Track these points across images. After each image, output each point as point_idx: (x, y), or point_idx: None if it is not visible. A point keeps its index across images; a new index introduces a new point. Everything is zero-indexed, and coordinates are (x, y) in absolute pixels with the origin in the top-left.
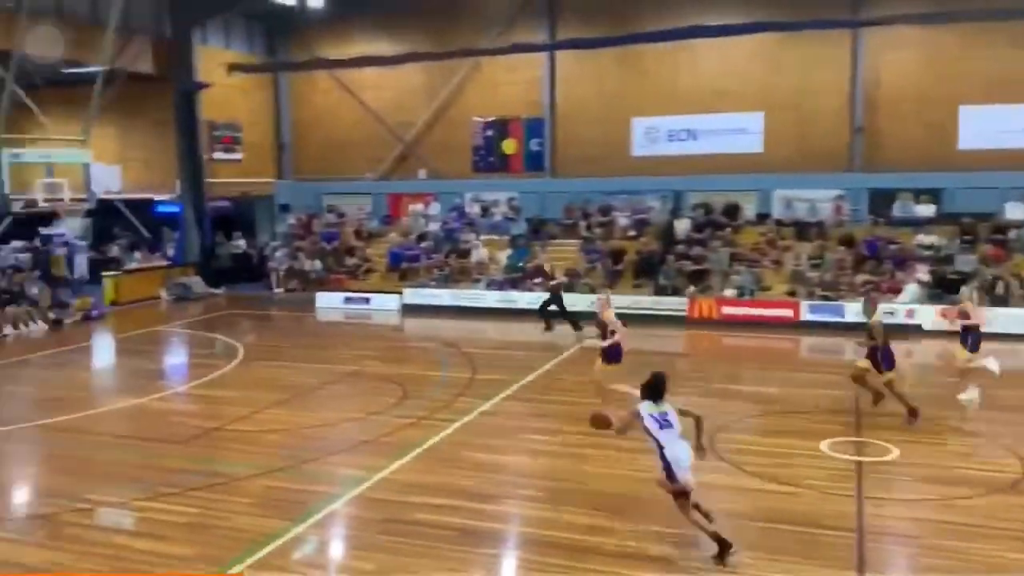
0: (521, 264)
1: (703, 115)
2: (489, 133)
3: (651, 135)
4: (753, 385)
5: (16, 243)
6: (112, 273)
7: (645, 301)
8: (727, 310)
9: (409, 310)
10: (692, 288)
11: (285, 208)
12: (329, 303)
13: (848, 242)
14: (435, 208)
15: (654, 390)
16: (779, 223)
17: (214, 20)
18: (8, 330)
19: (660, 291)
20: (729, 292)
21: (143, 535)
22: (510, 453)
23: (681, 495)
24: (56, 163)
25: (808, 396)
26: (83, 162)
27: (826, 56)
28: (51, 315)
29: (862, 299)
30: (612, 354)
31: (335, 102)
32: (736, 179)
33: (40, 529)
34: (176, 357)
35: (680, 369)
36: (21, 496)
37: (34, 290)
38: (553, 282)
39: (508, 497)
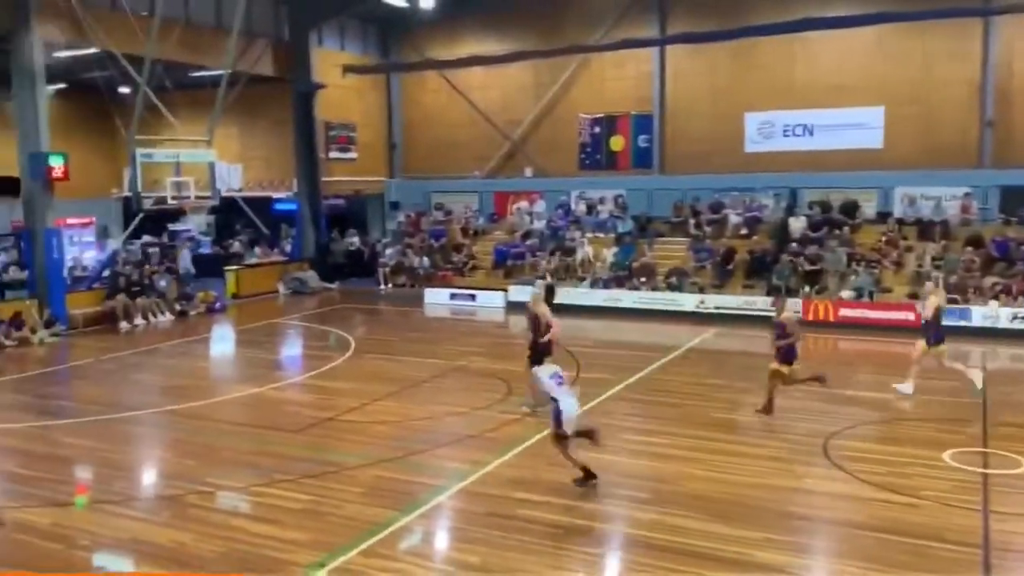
0: (627, 263)
1: (820, 110)
2: (596, 130)
3: (765, 130)
4: (871, 391)
5: (146, 238)
6: (233, 268)
7: (757, 302)
8: (844, 312)
9: (514, 307)
10: (807, 289)
11: (395, 206)
12: (436, 299)
13: (976, 243)
14: (541, 206)
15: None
16: (900, 222)
17: (330, 23)
18: (139, 320)
19: (773, 292)
20: (846, 294)
21: (260, 519)
22: (614, 453)
23: (564, 439)
24: (183, 162)
25: (930, 404)
26: (208, 161)
27: (953, 46)
28: (177, 307)
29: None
30: (544, 349)
31: (444, 101)
32: (855, 176)
33: (166, 510)
34: (292, 349)
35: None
36: (150, 478)
37: (162, 283)
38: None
39: (611, 497)
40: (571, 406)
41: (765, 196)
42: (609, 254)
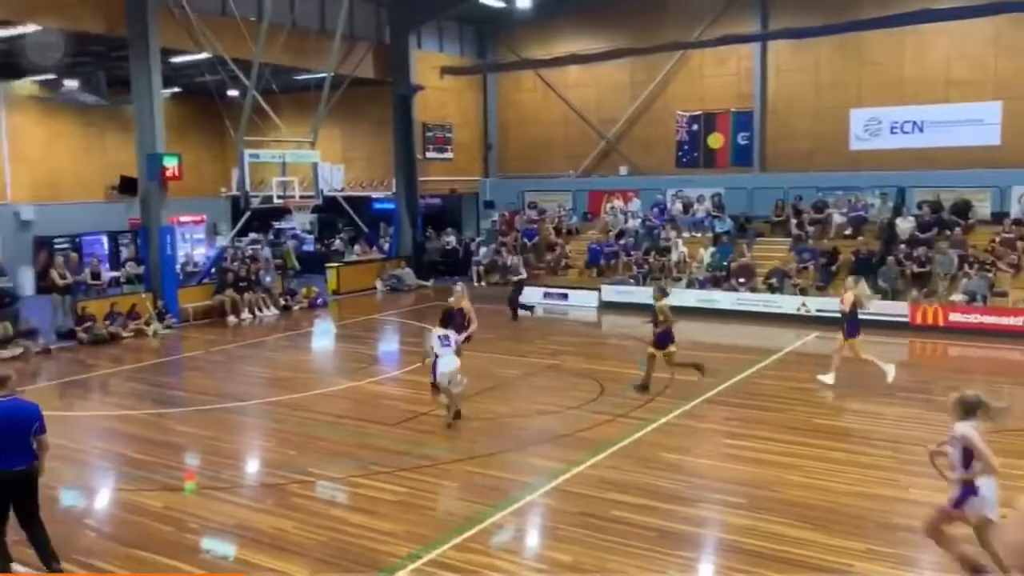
0: (725, 263)
1: (931, 105)
2: (694, 127)
3: (871, 127)
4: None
5: (252, 235)
6: (334, 264)
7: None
8: (955, 317)
9: (606, 307)
10: (915, 292)
11: (490, 205)
12: (528, 298)
13: None
14: (635, 205)
15: (444, 321)
16: (1018, 223)
17: (428, 24)
18: (245, 314)
19: (878, 294)
20: (958, 297)
21: (357, 509)
22: (709, 457)
23: (434, 388)
24: (288, 162)
25: None
26: (312, 162)
27: None
28: (282, 301)
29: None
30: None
31: (539, 101)
32: (968, 175)
33: (269, 497)
34: (389, 344)
35: (900, 379)
36: (254, 466)
37: (268, 279)
38: (516, 277)
39: (706, 501)
40: (447, 364)
41: (871, 195)
42: (706, 254)
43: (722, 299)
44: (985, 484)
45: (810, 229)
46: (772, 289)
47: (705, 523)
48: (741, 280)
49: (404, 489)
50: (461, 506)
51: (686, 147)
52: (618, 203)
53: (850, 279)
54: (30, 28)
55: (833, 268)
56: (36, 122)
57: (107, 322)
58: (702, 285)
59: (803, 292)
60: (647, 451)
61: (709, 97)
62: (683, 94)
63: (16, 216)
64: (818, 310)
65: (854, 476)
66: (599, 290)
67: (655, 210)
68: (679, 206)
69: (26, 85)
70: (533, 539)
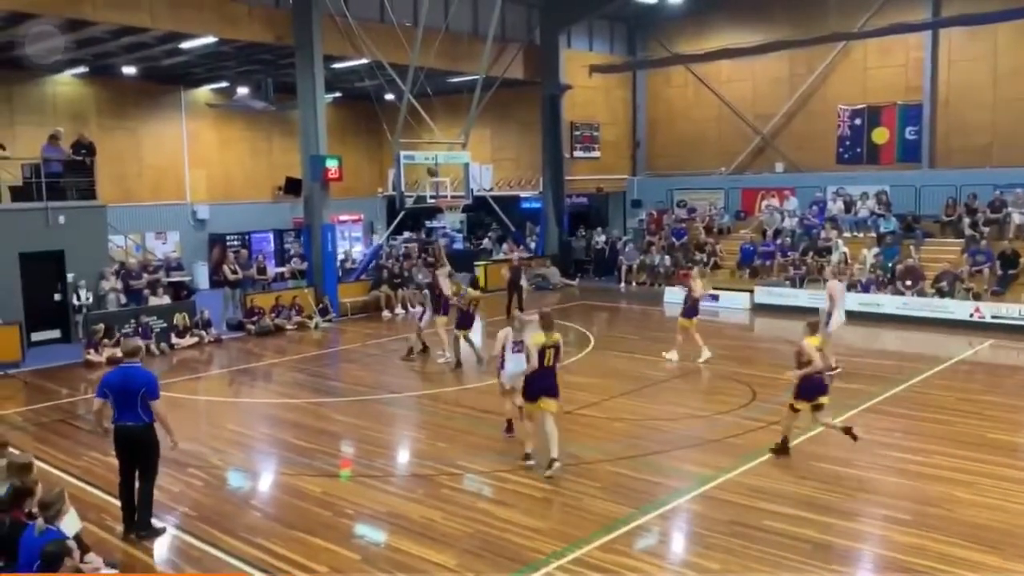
0: (890, 264)
1: None
2: (857, 122)
3: None
4: None
5: (406, 234)
6: (482, 263)
7: None
8: None
9: (759, 309)
10: None
11: (637, 203)
12: (677, 298)
13: None
14: (792, 203)
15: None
16: None
17: (579, 24)
18: (399, 310)
19: None
20: None
21: (503, 504)
22: (870, 469)
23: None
24: (440, 163)
25: None
26: (463, 162)
27: None
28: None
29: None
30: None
31: (690, 97)
32: None
33: (420, 488)
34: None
35: None
36: (405, 456)
37: (420, 276)
38: (515, 264)
39: (866, 516)
40: (515, 367)
41: None
42: (869, 255)
43: (887, 303)
44: None
45: (985, 229)
46: (942, 293)
47: (864, 538)
48: (908, 283)
49: (549, 486)
50: (605, 506)
51: (848, 143)
52: (773, 201)
53: (695, 269)
54: (207, 40)
55: (1012, 271)
56: (211, 128)
57: (273, 315)
58: (865, 288)
59: (977, 297)
60: (801, 460)
61: (873, 90)
62: (845, 87)
63: (194, 215)
64: (993, 316)
65: None
66: (752, 292)
67: (814, 208)
68: (840, 204)
69: (202, 93)
70: (679, 544)
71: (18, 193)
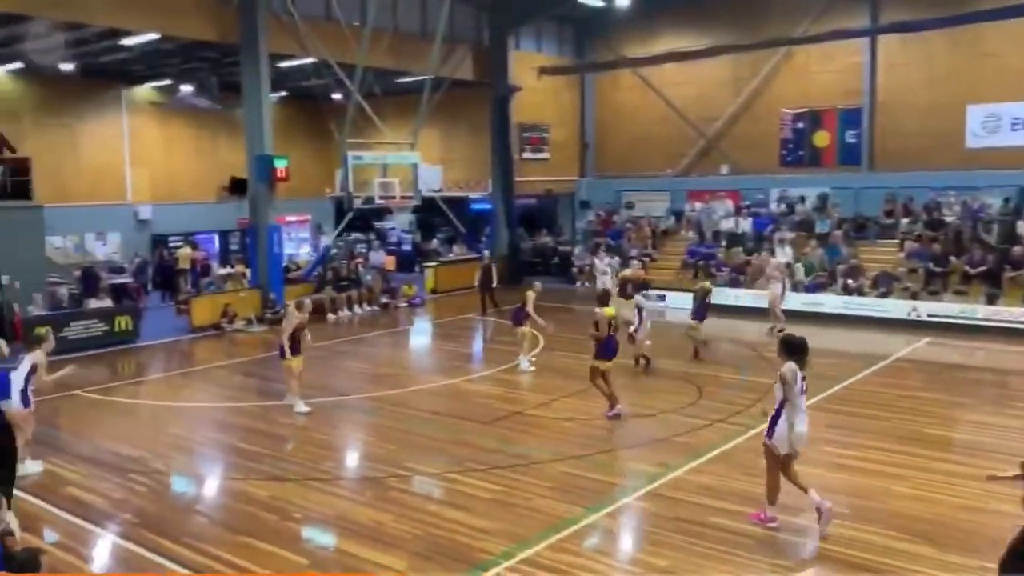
0: (831, 265)
1: None
2: (799, 125)
3: (990, 124)
4: None
5: (355, 235)
6: (432, 264)
7: (979, 311)
8: None
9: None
10: None
11: (585, 205)
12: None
13: None
14: (727, 205)
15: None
16: None
17: (527, 25)
18: (344, 311)
19: (994, 299)
20: None
21: (453, 505)
22: (810, 465)
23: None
24: (389, 164)
25: None
26: (412, 163)
27: None
28: (382, 300)
29: None
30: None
31: (637, 99)
32: None
33: (369, 490)
34: (485, 343)
35: (1015, 388)
36: (354, 459)
37: (367, 277)
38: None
39: (807, 510)
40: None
41: (989, 196)
42: (811, 255)
43: (825, 302)
44: None
45: (921, 231)
46: (880, 293)
47: (806, 532)
48: (848, 283)
49: (498, 487)
50: (555, 506)
51: (791, 145)
52: (716, 203)
53: (537, 283)
54: (150, 37)
55: (946, 270)
56: (154, 126)
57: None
58: (807, 288)
59: (914, 297)
60: (746, 458)
61: (815, 94)
62: (788, 91)
63: (135, 215)
64: (930, 315)
65: (968, 490)
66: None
67: (757, 210)
68: (783, 206)
69: (145, 91)
70: (628, 542)
71: None
